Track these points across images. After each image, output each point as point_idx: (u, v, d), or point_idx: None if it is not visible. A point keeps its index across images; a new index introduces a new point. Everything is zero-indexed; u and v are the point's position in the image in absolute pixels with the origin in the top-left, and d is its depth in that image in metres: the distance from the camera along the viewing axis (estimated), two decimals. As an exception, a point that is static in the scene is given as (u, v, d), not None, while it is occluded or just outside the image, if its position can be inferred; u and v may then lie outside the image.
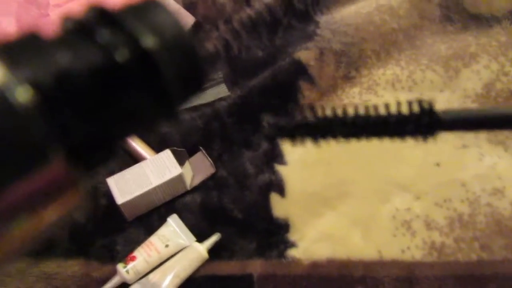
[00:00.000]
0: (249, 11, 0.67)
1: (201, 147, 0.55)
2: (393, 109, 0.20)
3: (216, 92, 0.60)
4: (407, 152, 0.55)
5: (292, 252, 0.48)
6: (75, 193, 0.11)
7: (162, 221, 0.50)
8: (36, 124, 0.10)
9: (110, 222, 0.50)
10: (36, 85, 0.11)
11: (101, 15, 0.13)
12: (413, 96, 0.60)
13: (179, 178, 0.49)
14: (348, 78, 0.61)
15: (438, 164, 0.54)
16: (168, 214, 0.50)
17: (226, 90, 0.60)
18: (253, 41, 0.65)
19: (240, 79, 0.62)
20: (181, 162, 0.51)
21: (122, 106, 0.12)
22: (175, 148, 0.53)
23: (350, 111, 0.20)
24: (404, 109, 0.20)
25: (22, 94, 0.10)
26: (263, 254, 0.48)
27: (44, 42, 0.12)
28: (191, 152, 0.54)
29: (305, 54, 0.63)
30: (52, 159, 0.11)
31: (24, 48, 0.11)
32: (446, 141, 0.55)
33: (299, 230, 0.50)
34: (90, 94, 0.11)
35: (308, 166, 0.54)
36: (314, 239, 0.49)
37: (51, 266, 0.47)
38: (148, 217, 0.51)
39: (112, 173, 0.50)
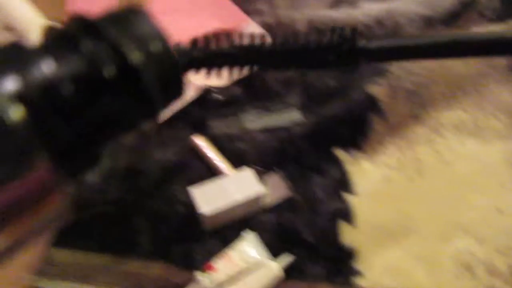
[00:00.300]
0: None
1: (277, 169, 0.57)
2: (313, 38, 0.17)
3: (291, 116, 0.63)
4: (471, 196, 0.57)
5: (358, 281, 0.51)
6: (60, 196, 0.12)
7: (237, 235, 0.52)
8: (25, 135, 0.11)
9: (187, 230, 0.53)
10: (25, 100, 0.11)
11: (83, 24, 0.13)
12: (477, 140, 0.62)
13: (260, 197, 0.52)
14: (416, 117, 0.64)
15: (501, 211, 0.56)
16: (243, 229, 0.53)
17: (300, 115, 0.63)
18: (327, 70, 0.68)
19: (313, 106, 0.64)
20: (260, 181, 0.54)
21: (106, 114, 0.12)
22: (256, 167, 0.56)
23: (269, 40, 0.17)
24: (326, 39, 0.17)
25: (14, 113, 0.11)
26: (331, 279, 0.51)
27: (29, 52, 0.12)
28: (266, 171, 0.57)
29: (378, 90, 0.66)
30: (38, 165, 0.11)
31: (10, 59, 0.12)
32: (510, 189, 0.58)
33: (365, 260, 0.52)
34: (75, 103, 0.12)
35: (376, 199, 0.57)
36: (380, 270, 0.52)
37: (135, 266, 0.50)
38: (224, 230, 0.53)
39: (189, 183, 0.53)
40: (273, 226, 0.54)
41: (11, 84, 0.11)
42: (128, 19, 0.13)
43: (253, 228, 0.53)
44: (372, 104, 0.64)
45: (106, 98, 0.12)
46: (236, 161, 0.58)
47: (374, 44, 0.19)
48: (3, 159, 0.11)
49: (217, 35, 0.18)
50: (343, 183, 0.58)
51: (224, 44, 0.19)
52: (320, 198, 0.57)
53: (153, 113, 0.13)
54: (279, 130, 0.62)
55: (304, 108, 0.64)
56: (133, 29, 0.13)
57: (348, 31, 0.19)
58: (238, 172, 0.54)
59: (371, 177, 0.59)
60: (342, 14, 0.73)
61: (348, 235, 0.54)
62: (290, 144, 0.61)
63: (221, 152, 0.58)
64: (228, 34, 0.18)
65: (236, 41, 0.19)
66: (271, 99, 0.65)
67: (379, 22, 0.72)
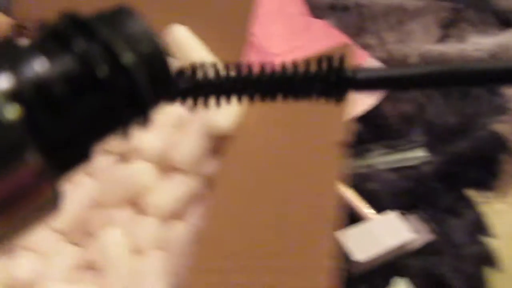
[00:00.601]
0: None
1: (414, 210, 0.57)
2: (301, 68, 0.17)
3: (417, 154, 0.63)
4: None
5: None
6: (49, 193, 0.12)
7: (385, 281, 0.52)
8: (18, 132, 0.11)
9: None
10: (18, 98, 0.12)
11: (75, 23, 0.13)
12: None
13: (410, 241, 0.52)
14: (544, 156, 0.63)
15: None
16: (389, 274, 0.53)
17: (426, 154, 0.63)
18: (445, 106, 0.68)
19: (437, 144, 0.64)
20: (406, 225, 0.54)
21: (98, 112, 0.13)
22: (396, 210, 0.56)
23: (256, 70, 0.18)
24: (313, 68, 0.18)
25: (11, 111, 0.11)
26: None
27: (20, 48, 0.13)
28: (405, 213, 0.57)
29: (503, 127, 0.65)
30: (28, 161, 0.12)
31: (2, 56, 0.12)
32: None
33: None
34: (67, 102, 0.12)
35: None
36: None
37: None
38: (371, 275, 0.53)
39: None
40: (419, 271, 0.54)
41: (5, 82, 0.11)
42: (120, 19, 0.14)
43: (400, 273, 0.53)
44: (499, 143, 0.64)
45: (98, 97, 0.13)
46: (370, 202, 0.58)
47: (363, 74, 0.18)
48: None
49: (202, 65, 0.17)
50: (480, 225, 0.58)
51: (211, 74, 0.19)
52: (460, 241, 0.56)
53: (144, 112, 0.14)
54: (407, 169, 0.62)
55: (428, 146, 0.64)
56: (125, 29, 0.13)
57: (336, 60, 0.18)
58: (383, 215, 0.55)
59: (508, 219, 0.58)
60: (452, 49, 0.73)
61: (497, 281, 0.54)
62: (421, 184, 0.61)
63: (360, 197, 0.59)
64: (214, 64, 0.18)
65: (222, 71, 0.18)
66: (393, 136, 0.65)
67: (493, 56, 0.72)
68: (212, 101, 0.18)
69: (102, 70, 0.13)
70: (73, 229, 0.48)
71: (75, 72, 0.13)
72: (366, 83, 0.18)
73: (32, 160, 0.12)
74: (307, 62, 0.18)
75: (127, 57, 0.13)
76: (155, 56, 0.14)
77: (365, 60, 0.72)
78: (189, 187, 0.50)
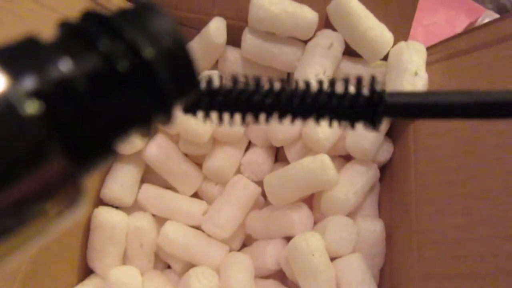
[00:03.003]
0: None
1: None
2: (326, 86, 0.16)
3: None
4: None
5: None
6: (75, 189, 0.13)
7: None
8: (38, 129, 0.12)
9: None
10: (40, 96, 0.12)
11: (99, 21, 0.13)
12: None
13: None
14: None
15: None
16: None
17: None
18: None
19: None
20: None
21: (120, 108, 0.13)
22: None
23: (277, 85, 0.17)
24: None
25: (30, 107, 0.11)
26: None
27: (44, 47, 0.13)
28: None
29: None
30: (51, 158, 0.12)
31: (26, 54, 0.12)
32: None
33: None
34: (89, 99, 0.13)
35: None
36: None
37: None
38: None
39: None
40: None
41: (28, 81, 0.12)
42: (142, 16, 0.14)
43: None
44: None
45: (121, 93, 0.13)
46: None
47: (399, 98, 0.16)
48: (19, 153, 0.11)
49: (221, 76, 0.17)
50: None
51: (230, 85, 0.17)
52: None
53: (167, 108, 0.14)
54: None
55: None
56: (147, 25, 0.13)
57: (372, 81, 0.16)
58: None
59: None
60: None
61: None
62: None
63: None
64: (235, 76, 0.17)
65: (241, 83, 0.17)
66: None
67: None
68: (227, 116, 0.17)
69: (123, 65, 0.13)
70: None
71: (98, 69, 0.13)
72: (402, 108, 0.16)
73: (55, 156, 0.12)
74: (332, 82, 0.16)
75: (149, 52, 0.13)
76: (178, 52, 0.14)
77: (483, 14, 0.66)
78: (366, 177, 0.45)
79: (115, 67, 0.13)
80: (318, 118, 0.17)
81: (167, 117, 0.14)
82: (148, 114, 0.14)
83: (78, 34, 0.13)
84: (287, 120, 0.17)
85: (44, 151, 0.12)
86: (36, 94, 0.12)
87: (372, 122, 0.16)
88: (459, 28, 0.71)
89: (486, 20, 0.66)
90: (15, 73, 0.12)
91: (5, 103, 0.11)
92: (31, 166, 0.11)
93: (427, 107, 0.16)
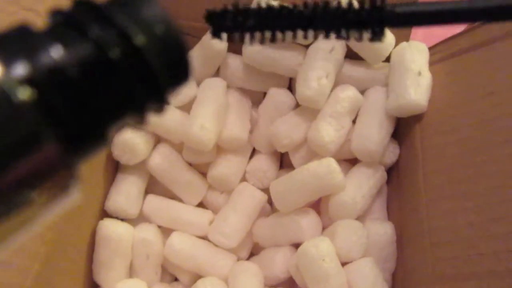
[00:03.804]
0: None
1: None
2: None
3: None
4: None
5: None
6: (68, 175, 0.13)
7: None
8: (30, 115, 0.12)
9: None
10: (32, 82, 0.12)
11: (90, 9, 0.13)
12: None
13: None
14: None
15: None
16: None
17: None
18: None
19: None
20: None
21: (112, 95, 0.13)
22: None
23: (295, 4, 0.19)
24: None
25: (22, 93, 0.12)
26: None
27: (36, 35, 0.13)
28: None
29: None
30: (44, 144, 0.12)
31: (18, 42, 0.12)
32: None
33: None
34: (81, 86, 0.13)
35: None
36: None
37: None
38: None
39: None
40: None
41: (20, 68, 0.12)
42: (134, 3, 0.14)
43: None
44: None
45: (113, 80, 0.13)
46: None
47: (402, 8, 0.17)
48: (11, 139, 0.11)
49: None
50: None
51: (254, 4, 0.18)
52: None
53: (160, 95, 0.14)
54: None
55: None
56: (138, 12, 0.14)
57: None
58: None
59: None
60: None
61: None
62: None
63: None
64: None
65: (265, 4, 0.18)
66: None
67: None
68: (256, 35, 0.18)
69: (114, 52, 0.13)
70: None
71: (89, 56, 0.13)
72: (405, 17, 0.17)
73: (48, 142, 0.12)
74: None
75: (139, 39, 0.13)
76: (169, 39, 0.14)
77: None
78: (374, 180, 0.45)
79: (107, 54, 0.13)
80: (328, 31, 0.18)
81: (160, 105, 0.14)
82: (141, 101, 0.14)
83: (69, 22, 0.13)
84: (300, 33, 0.18)
85: (37, 137, 0.12)
86: (28, 81, 0.12)
87: (377, 32, 0.17)
88: (459, 27, 0.71)
89: (485, 22, 0.66)
90: (7, 61, 0.12)
91: None
92: (24, 152, 0.12)
93: (429, 13, 0.18)
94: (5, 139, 0.11)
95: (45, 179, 0.12)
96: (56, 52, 0.12)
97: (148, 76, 0.13)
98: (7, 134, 0.11)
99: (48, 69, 0.12)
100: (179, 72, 0.14)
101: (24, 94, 0.12)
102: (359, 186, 0.44)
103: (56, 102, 0.12)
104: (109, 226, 0.44)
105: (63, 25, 0.13)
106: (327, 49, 0.45)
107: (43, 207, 0.13)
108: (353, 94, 0.45)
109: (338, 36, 0.18)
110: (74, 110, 0.12)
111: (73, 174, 0.13)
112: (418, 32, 0.70)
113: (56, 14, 0.14)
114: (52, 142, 0.12)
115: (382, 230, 0.43)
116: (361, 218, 0.45)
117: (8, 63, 0.12)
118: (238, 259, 0.48)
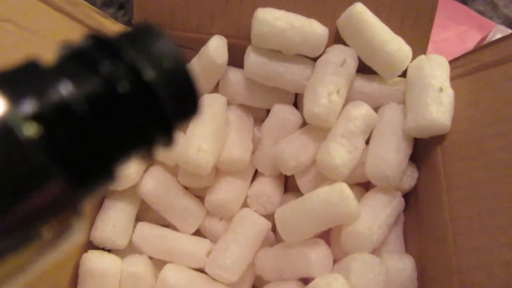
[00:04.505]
0: None
1: None
2: None
3: None
4: None
5: None
6: (73, 214, 0.12)
7: None
8: (36, 152, 0.12)
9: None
10: (39, 119, 0.12)
11: (100, 44, 0.13)
12: None
13: None
14: None
15: None
16: None
17: None
18: None
19: None
20: None
21: (120, 131, 0.13)
22: None
23: None
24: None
25: (28, 130, 0.11)
26: None
27: (44, 71, 0.13)
28: None
29: None
30: (49, 182, 0.12)
31: (25, 78, 0.12)
32: None
33: None
34: (90, 123, 0.12)
35: None
36: None
37: None
38: None
39: None
40: None
41: (26, 104, 0.12)
42: (143, 38, 0.14)
43: None
44: None
45: (121, 115, 0.13)
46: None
47: None
48: (16, 176, 0.11)
49: None
50: None
51: None
52: None
53: (169, 130, 0.14)
54: None
55: None
56: (147, 47, 0.13)
57: None
58: None
59: None
60: None
61: None
62: None
63: None
64: None
65: None
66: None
67: None
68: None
69: (124, 87, 0.13)
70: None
71: (98, 91, 0.13)
72: None
73: (54, 180, 0.12)
74: None
75: (149, 74, 0.13)
76: (178, 73, 0.14)
77: (494, 29, 0.62)
78: (390, 207, 0.40)
79: (116, 89, 0.13)
80: None
81: (169, 139, 0.14)
82: (150, 136, 0.14)
83: (78, 57, 0.13)
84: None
85: (43, 175, 0.12)
86: (35, 117, 0.12)
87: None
88: (471, 43, 0.68)
89: (498, 35, 0.63)
90: (14, 97, 0.12)
91: (3, 126, 0.11)
92: (29, 190, 0.11)
93: None
94: (9, 176, 0.11)
95: (50, 215, 0.12)
96: (64, 88, 0.12)
97: (157, 111, 0.13)
98: (11, 171, 0.11)
99: (55, 106, 0.12)
100: (188, 105, 0.14)
101: (30, 130, 0.11)
102: (375, 215, 0.39)
103: (63, 139, 0.12)
104: (93, 259, 0.39)
105: (72, 60, 0.13)
106: (338, 62, 0.41)
107: (47, 245, 0.12)
108: (367, 112, 0.41)
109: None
110: (81, 147, 0.12)
111: (78, 212, 0.12)
112: (429, 48, 0.67)
113: (65, 49, 0.13)
114: (58, 180, 0.12)
115: (402, 265, 0.38)
116: (376, 250, 0.40)
117: (15, 99, 0.12)
118: (239, 295, 0.43)
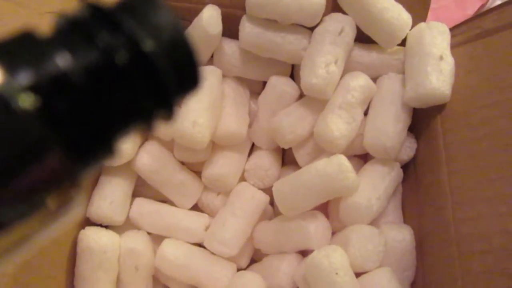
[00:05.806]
0: None
1: None
2: None
3: None
4: None
5: None
6: (74, 186, 0.12)
7: None
8: (33, 123, 0.11)
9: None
10: (36, 90, 0.11)
11: (98, 14, 0.13)
12: None
13: None
14: None
15: None
16: None
17: None
18: None
19: None
20: None
21: (119, 102, 0.13)
22: None
23: None
24: None
25: (24, 100, 0.11)
26: None
27: (41, 42, 0.12)
28: None
29: None
30: (47, 154, 0.12)
31: (22, 49, 0.12)
32: None
33: None
34: (88, 94, 0.12)
35: None
36: None
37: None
38: None
39: None
40: None
41: (23, 75, 0.11)
42: (141, 8, 0.13)
43: None
44: None
45: (120, 87, 0.13)
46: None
47: None
48: (15, 148, 0.11)
49: None
50: None
51: None
52: None
53: (168, 102, 0.13)
54: None
55: None
56: (146, 17, 0.13)
57: None
58: None
59: None
60: None
61: None
62: None
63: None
64: None
65: None
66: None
67: None
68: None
69: (123, 58, 0.12)
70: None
71: (97, 62, 0.12)
72: None
73: (51, 152, 0.12)
74: None
75: (148, 44, 0.13)
76: (178, 44, 0.13)
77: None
78: (389, 178, 0.40)
79: (114, 60, 0.12)
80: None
81: (169, 112, 0.14)
82: (149, 109, 0.13)
83: (76, 27, 0.13)
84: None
85: (40, 146, 0.11)
86: (32, 88, 0.11)
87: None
88: (471, 10, 0.66)
89: (498, 1, 0.62)
90: (9, 67, 0.11)
91: None
92: (27, 161, 0.11)
93: None
94: (6, 148, 0.11)
95: (52, 186, 0.12)
96: (61, 59, 0.12)
97: (156, 82, 0.13)
98: (8, 142, 0.11)
99: (53, 77, 0.12)
100: (188, 78, 0.14)
101: (26, 101, 0.11)
102: (374, 187, 0.39)
103: (61, 110, 0.12)
104: (91, 236, 0.39)
105: (69, 31, 0.13)
106: (335, 32, 0.40)
107: (53, 216, 0.12)
108: (365, 83, 0.40)
109: None
110: (80, 119, 0.12)
111: (77, 184, 0.12)
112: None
113: (62, 19, 0.13)
114: (56, 152, 0.12)
115: (400, 236, 0.38)
116: (375, 222, 0.40)
117: (10, 70, 0.11)
118: (238, 269, 0.43)
